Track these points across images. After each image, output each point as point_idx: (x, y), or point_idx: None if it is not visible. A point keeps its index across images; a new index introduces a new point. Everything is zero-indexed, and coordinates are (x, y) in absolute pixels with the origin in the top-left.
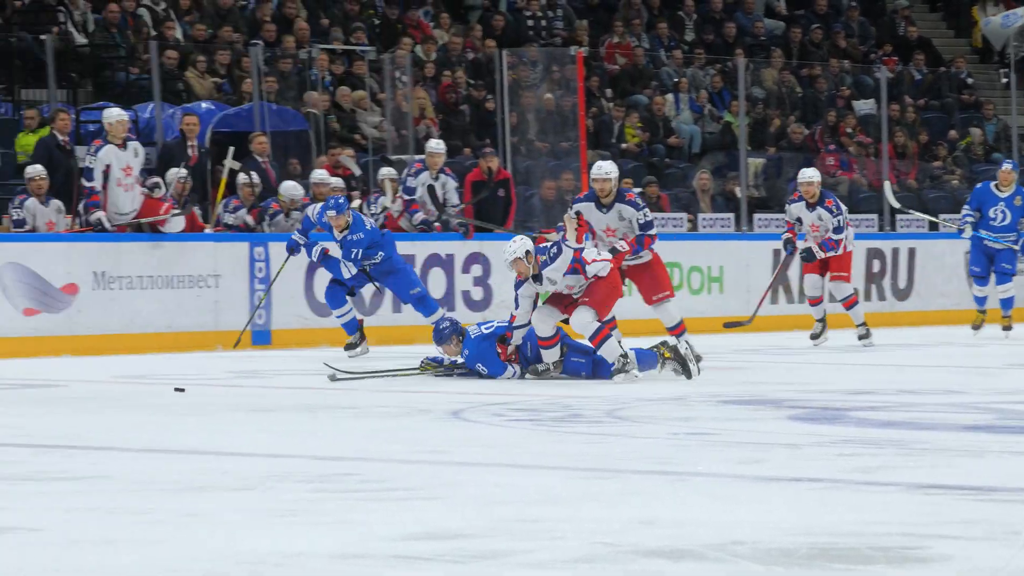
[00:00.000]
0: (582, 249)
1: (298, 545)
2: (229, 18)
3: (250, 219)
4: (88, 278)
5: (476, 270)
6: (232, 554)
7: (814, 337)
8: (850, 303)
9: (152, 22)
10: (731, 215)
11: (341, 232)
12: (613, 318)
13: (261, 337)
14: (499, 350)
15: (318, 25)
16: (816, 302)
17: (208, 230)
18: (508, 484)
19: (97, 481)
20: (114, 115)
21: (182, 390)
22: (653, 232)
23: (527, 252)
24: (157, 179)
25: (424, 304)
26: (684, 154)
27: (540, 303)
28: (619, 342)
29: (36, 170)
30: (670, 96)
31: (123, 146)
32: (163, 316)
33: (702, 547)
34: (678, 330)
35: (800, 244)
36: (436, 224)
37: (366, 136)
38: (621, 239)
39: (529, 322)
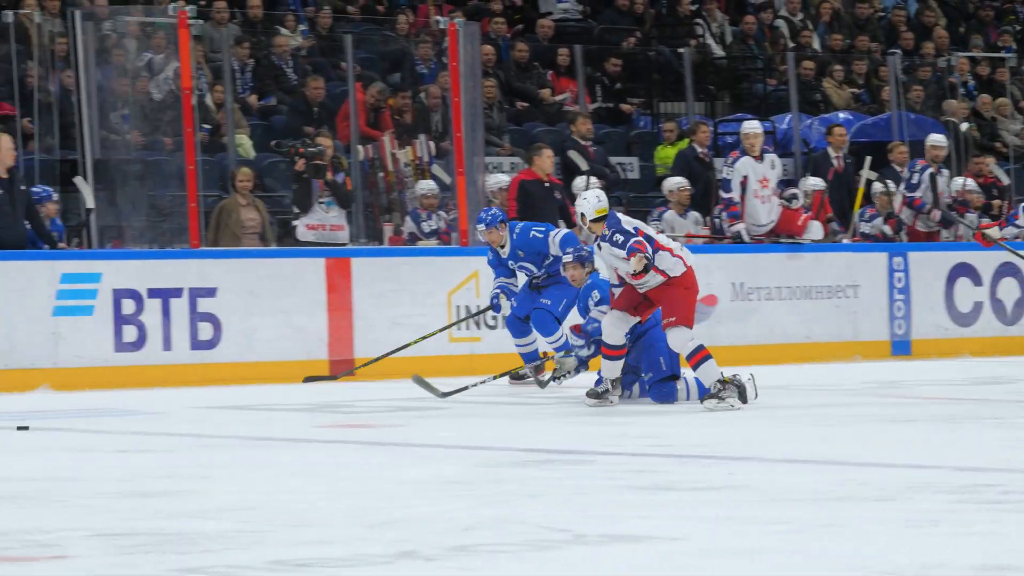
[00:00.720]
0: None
1: (937, 557)
2: (867, 27)
3: (887, 228)
4: (727, 289)
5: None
6: (869, 565)
7: None
8: None
9: (789, 33)
10: None
11: (502, 249)
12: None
13: (901, 348)
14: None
15: (957, 32)
16: None
17: (846, 240)
18: None
19: (735, 491)
20: (752, 127)
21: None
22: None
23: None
24: (794, 190)
25: (544, 324)
26: None
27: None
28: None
29: (677, 182)
30: None
31: (760, 158)
32: (801, 327)
33: None
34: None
35: None
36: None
37: (1007, 144)
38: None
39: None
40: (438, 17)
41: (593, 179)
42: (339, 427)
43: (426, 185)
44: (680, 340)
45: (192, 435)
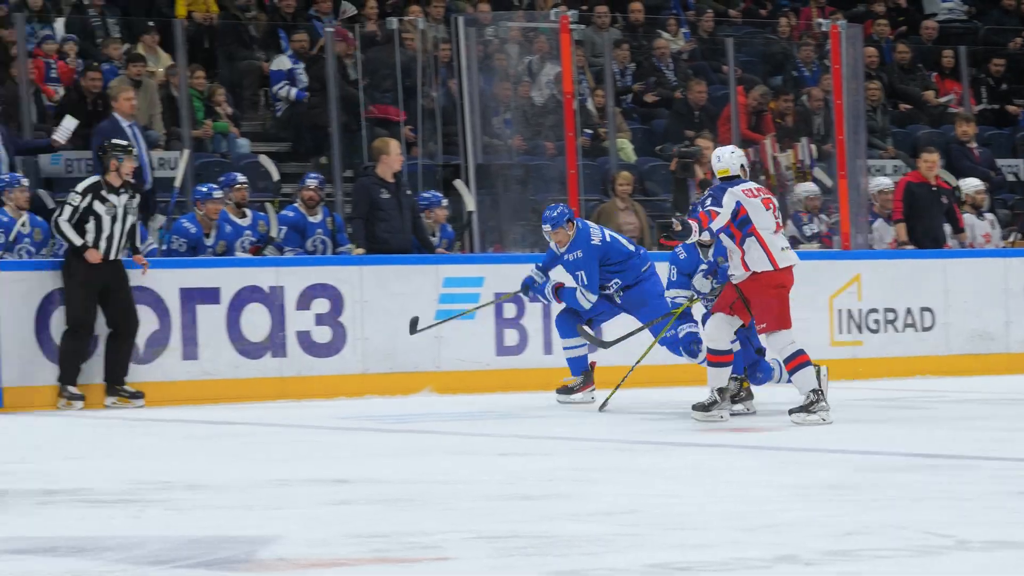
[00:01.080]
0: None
1: None
2: None
3: None
4: None
5: None
6: None
7: None
8: None
9: None
10: None
11: (562, 250)
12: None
13: None
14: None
15: None
16: None
17: None
18: None
19: None
20: None
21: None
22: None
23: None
24: None
25: (675, 347)
26: None
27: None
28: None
29: None
30: None
31: None
32: None
33: None
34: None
35: None
36: None
37: None
38: None
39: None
40: (820, 20)
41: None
42: (716, 431)
43: (808, 188)
44: (778, 345)
45: (570, 438)
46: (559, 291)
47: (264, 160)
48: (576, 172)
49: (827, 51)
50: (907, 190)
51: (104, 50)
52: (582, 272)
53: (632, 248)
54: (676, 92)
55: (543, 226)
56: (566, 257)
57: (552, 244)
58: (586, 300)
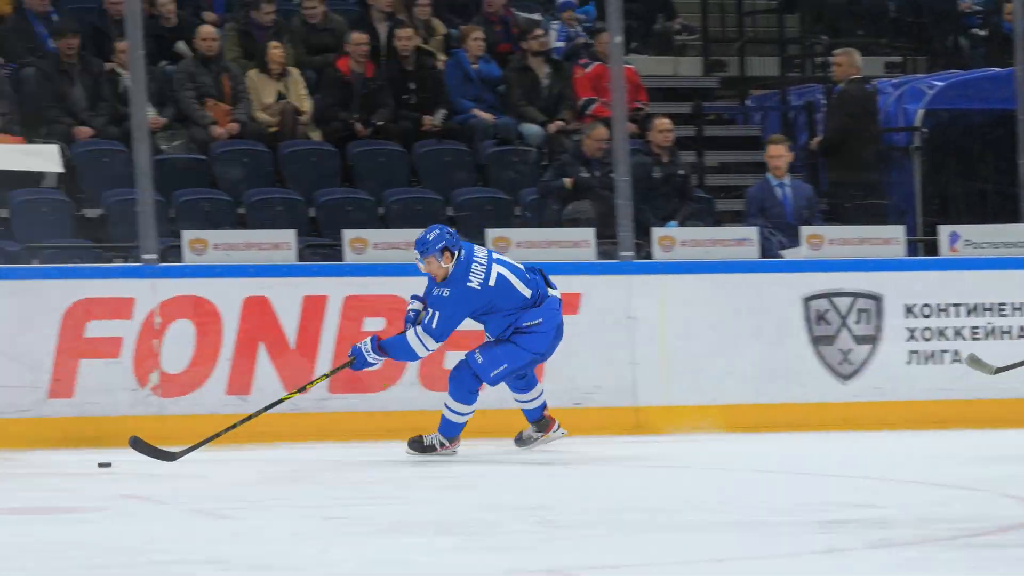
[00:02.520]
0: None
1: None
2: None
3: None
4: None
5: None
6: None
7: None
8: None
9: None
10: None
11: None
12: None
13: None
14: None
15: None
16: None
17: None
18: None
19: None
20: None
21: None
22: None
23: None
24: None
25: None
26: None
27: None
28: None
29: None
30: None
31: None
32: None
33: None
34: None
35: None
36: None
37: None
38: None
39: None
40: None
41: None
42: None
43: None
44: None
45: None
46: (384, 345)
47: None
48: None
49: None
50: None
51: None
52: (436, 313)
53: (528, 294)
54: None
55: (415, 251)
56: (434, 291)
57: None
58: (422, 347)
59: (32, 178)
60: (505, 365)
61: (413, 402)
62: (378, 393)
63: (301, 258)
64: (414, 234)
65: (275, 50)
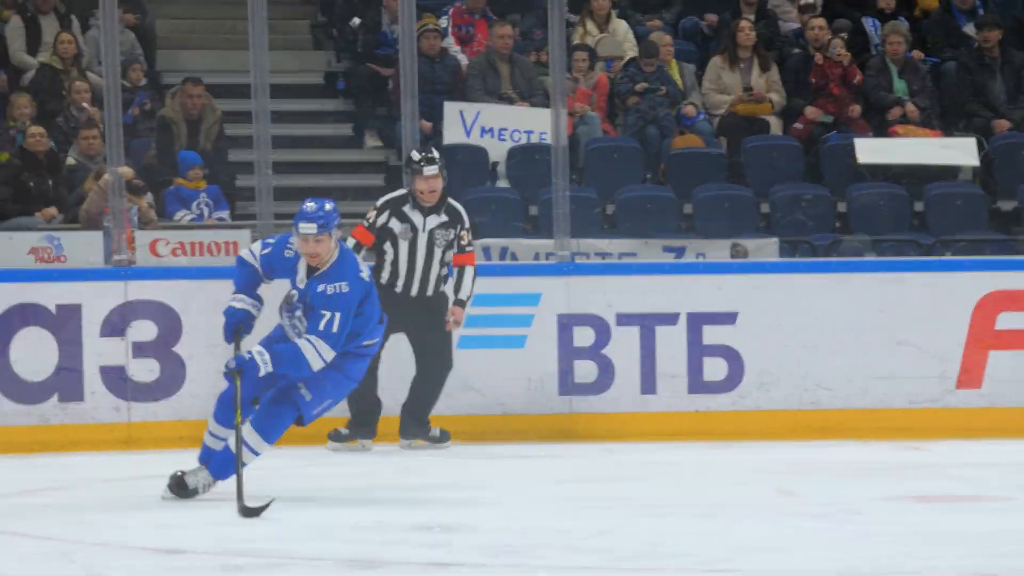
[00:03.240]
0: None
1: None
2: None
3: None
4: None
5: None
6: None
7: None
8: None
9: None
10: None
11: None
12: None
13: None
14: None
15: None
16: None
17: None
18: None
19: None
20: None
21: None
22: None
23: None
24: None
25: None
26: None
27: None
28: None
29: None
30: None
31: None
32: None
33: None
34: None
35: None
36: None
37: None
38: None
39: None
40: None
41: None
42: None
43: None
44: None
45: None
46: (275, 353)
47: None
48: None
49: None
50: None
51: None
52: (336, 315)
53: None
54: None
55: (302, 224)
56: (317, 287)
57: (297, 251)
58: (319, 359)
59: (949, 171)
60: (329, 401)
61: None
62: None
63: None
64: None
65: None
